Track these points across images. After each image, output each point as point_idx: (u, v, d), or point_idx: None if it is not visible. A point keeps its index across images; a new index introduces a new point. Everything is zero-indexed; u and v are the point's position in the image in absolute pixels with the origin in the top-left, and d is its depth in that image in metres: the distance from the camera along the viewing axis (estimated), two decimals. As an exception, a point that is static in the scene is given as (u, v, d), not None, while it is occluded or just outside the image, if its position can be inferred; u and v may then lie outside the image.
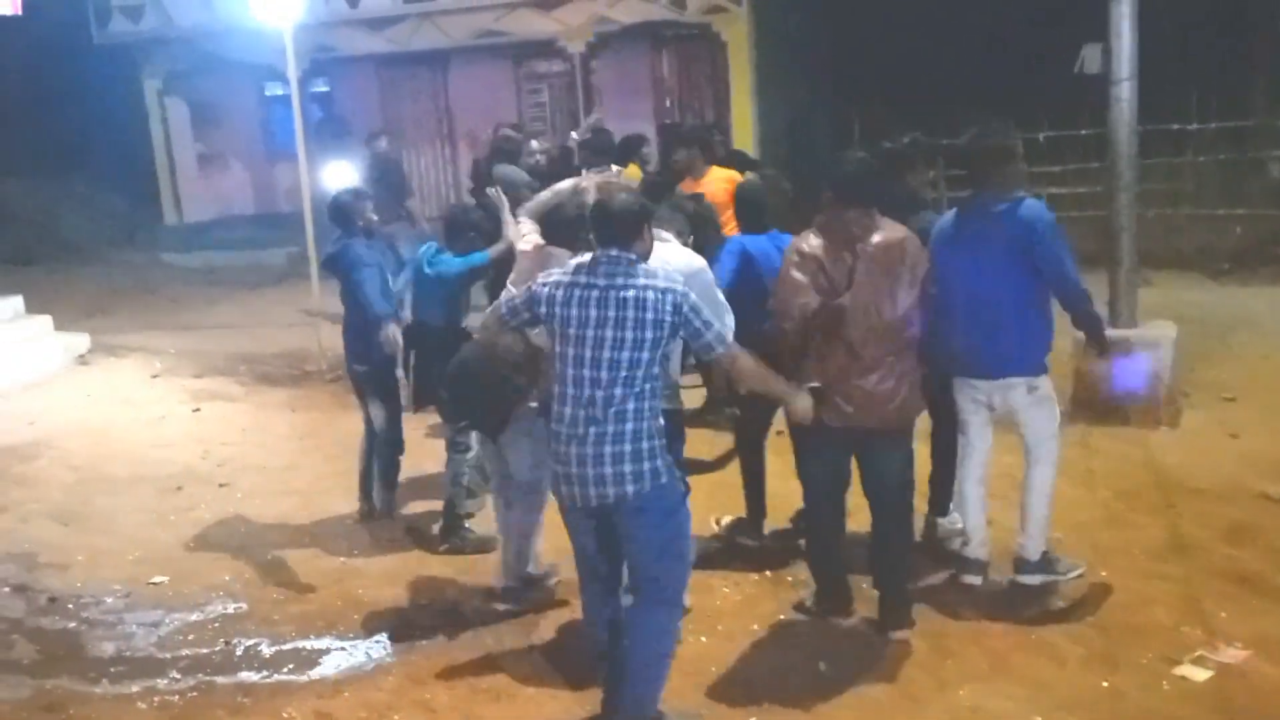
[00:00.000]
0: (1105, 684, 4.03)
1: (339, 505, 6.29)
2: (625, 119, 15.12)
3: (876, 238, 4.28)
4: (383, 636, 4.79)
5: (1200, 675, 4.03)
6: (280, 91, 15.90)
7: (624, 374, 3.59)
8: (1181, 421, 6.61)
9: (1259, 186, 11.64)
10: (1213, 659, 4.11)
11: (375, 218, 6.13)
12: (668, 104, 15.69)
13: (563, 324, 3.68)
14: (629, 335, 3.59)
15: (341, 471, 6.76)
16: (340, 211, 5.98)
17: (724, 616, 4.68)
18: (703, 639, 4.50)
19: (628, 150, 8.30)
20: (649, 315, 3.59)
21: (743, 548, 5.27)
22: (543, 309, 3.74)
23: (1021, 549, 4.72)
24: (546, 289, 3.74)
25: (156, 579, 5.51)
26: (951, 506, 5.15)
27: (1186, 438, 6.26)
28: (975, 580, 4.77)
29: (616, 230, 3.72)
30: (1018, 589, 4.70)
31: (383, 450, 6.08)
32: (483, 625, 4.79)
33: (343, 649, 4.74)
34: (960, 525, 4.95)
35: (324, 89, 16.58)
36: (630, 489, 3.59)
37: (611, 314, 3.61)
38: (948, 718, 3.90)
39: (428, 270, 5.50)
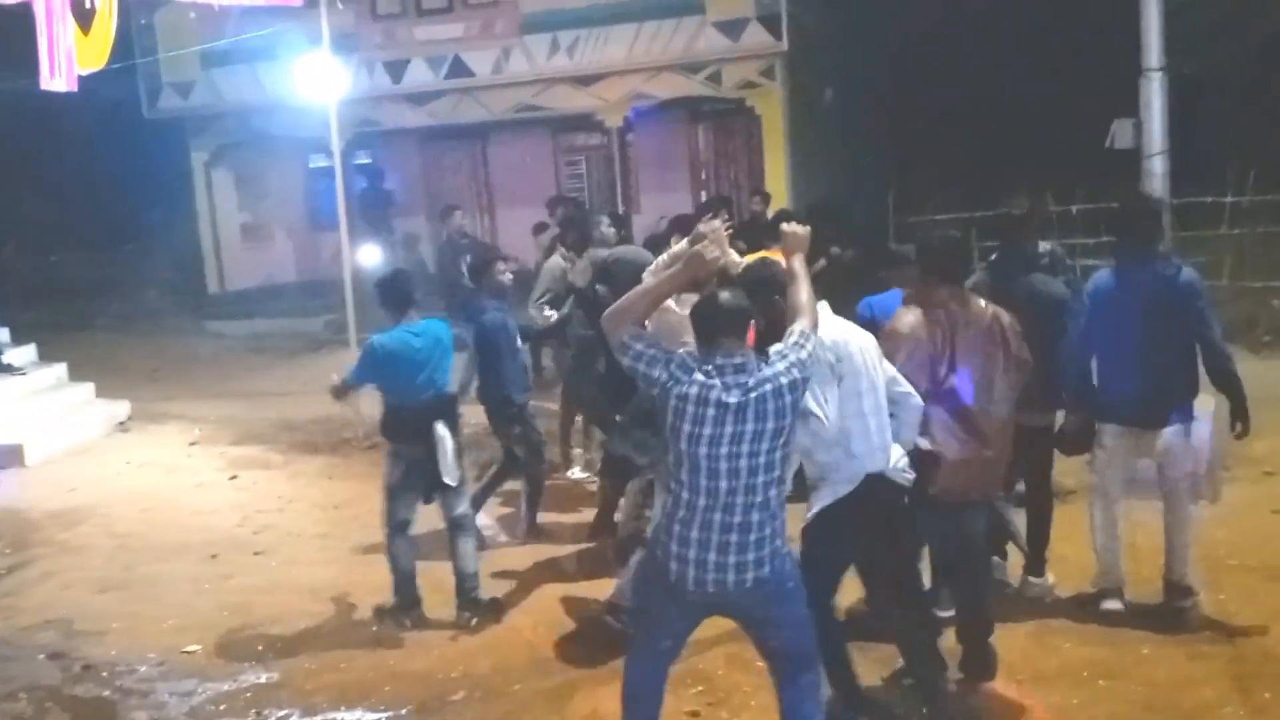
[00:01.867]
0: (1151, 768, 3.93)
1: (374, 576, 6.29)
2: (662, 191, 15.39)
3: (977, 317, 4.33)
4: (414, 706, 4.77)
5: (1249, 760, 3.93)
6: (324, 163, 16.27)
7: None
8: (1223, 495, 6.49)
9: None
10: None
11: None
12: (704, 177, 15.89)
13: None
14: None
15: (376, 542, 6.77)
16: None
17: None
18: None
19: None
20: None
21: None
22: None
23: (1180, 578, 5.07)
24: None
25: (191, 647, 5.53)
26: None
27: (1229, 513, 6.14)
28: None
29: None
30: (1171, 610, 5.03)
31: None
32: (511, 698, 4.76)
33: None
34: (1050, 583, 5.33)
35: (367, 160, 16.97)
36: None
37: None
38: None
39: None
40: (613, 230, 8.35)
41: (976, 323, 4.32)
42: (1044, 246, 5.96)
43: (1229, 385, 5.00)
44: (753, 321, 3.69)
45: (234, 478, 8.53)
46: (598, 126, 14.91)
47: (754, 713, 4.46)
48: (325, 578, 6.35)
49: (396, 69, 14.71)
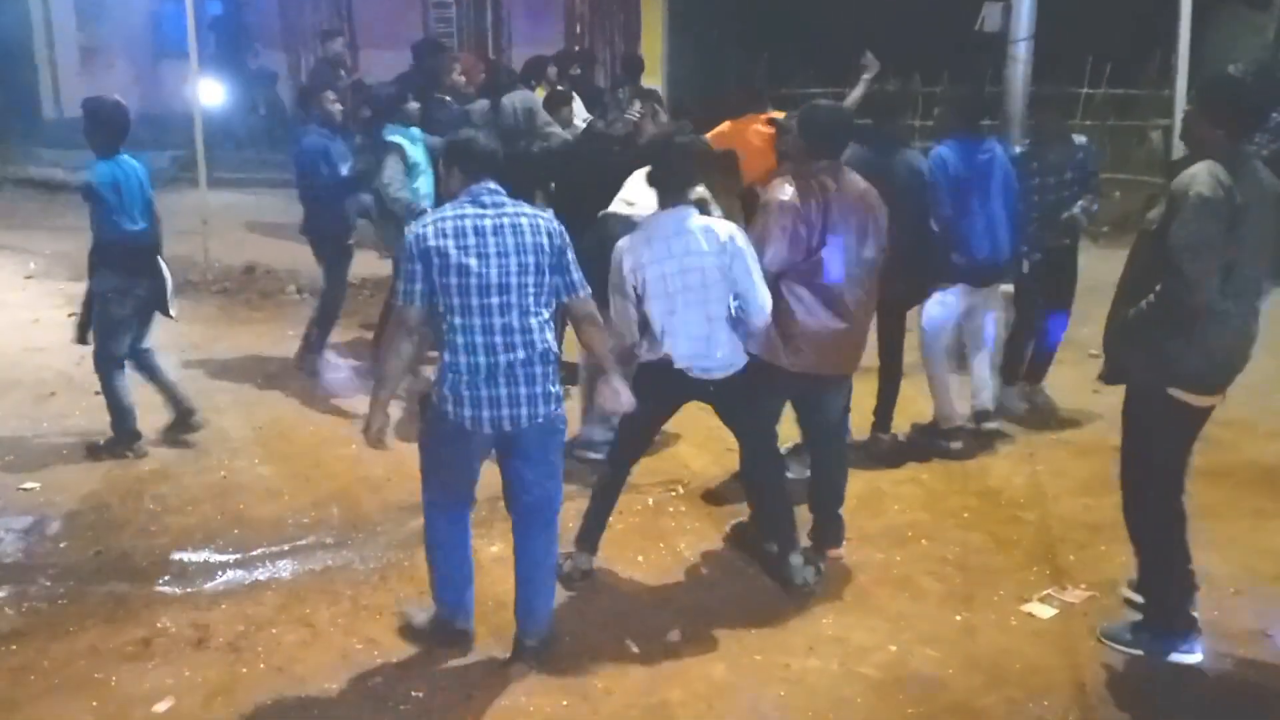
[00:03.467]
0: (959, 618, 4.27)
1: (224, 420, 6.20)
2: (535, 44, 14.94)
3: (848, 188, 4.40)
4: (263, 550, 4.78)
5: (1046, 613, 4.29)
6: (171, -14, 15.21)
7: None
8: (1053, 376, 6.92)
9: (1142, 154, 12.11)
10: (1058, 598, 4.39)
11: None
12: (578, 31, 15.49)
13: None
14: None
15: (224, 388, 6.66)
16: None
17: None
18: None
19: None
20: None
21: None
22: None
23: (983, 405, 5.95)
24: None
25: (28, 485, 5.39)
26: None
27: (1053, 393, 6.56)
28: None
29: None
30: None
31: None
32: (371, 541, 4.83)
33: (222, 562, 4.71)
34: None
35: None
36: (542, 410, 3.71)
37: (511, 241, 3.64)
38: (809, 645, 4.08)
39: None
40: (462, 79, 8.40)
41: (850, 197, 4.41)
42: (1080, 140, 6.20)
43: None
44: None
45: (72, 315, 8.14)
46: (470, -30, 14.30)
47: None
48: (169, 420, 6.20)
49: (256, -113, 13.70)
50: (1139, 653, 3.95)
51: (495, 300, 3.59)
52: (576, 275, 3.76)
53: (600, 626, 4.18)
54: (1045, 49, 6.80)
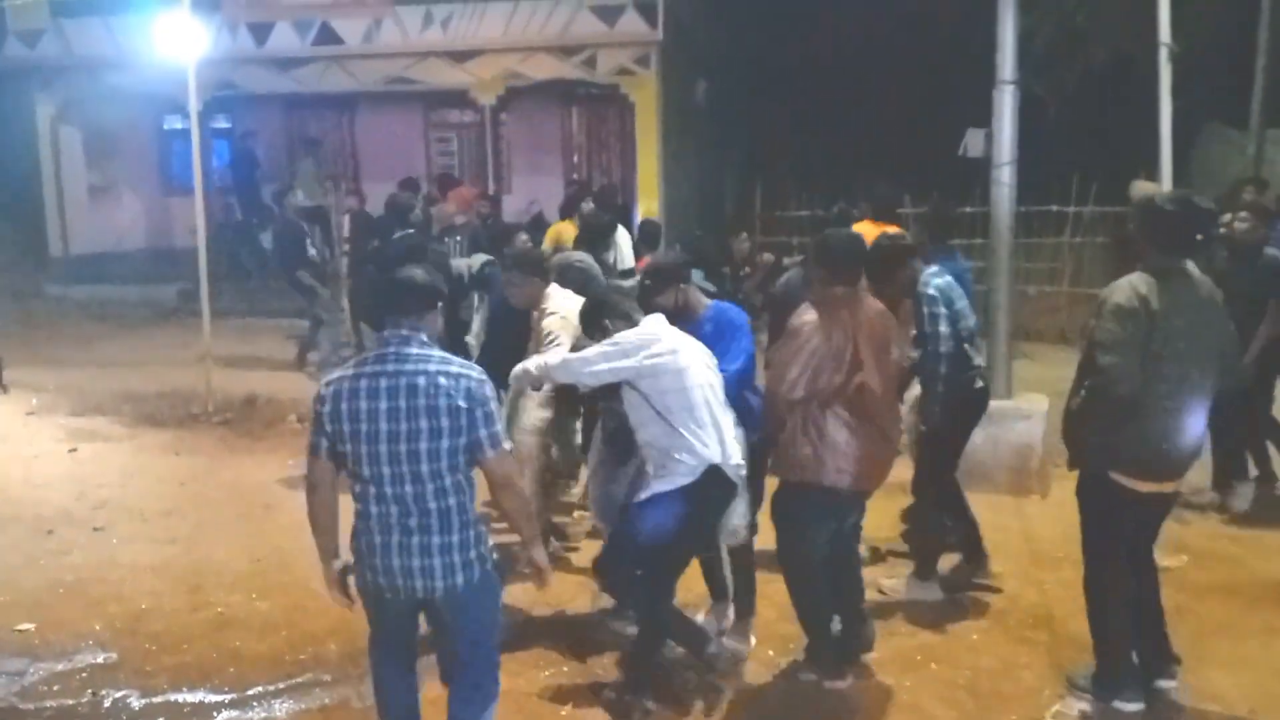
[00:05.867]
0: (972, 747, 4.17)
1: (221, 553, 6.16)
2: (534, 173, 15.35)
3: (868, 310, 4.49)
4: (260, 690, 4.69)
5: (1059, 735, 4.22)
6: (180, 125, 15.66)
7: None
8: (1051, 491, 6.89)
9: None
10: (1067, 715, 4.34)
11: None
12: (575, 160, 15.90)
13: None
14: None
15: (224, 520, 6.62)
16: None
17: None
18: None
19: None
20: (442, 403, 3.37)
21: None
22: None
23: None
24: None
25: (23, 626, 5.31)
26: None
27: (1056, 508, 6.52)
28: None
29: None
30: None
31: None
32: (360, 680, 4.73)
33: (217, 703, 4.62)
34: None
35: (225, 125, 16.40)
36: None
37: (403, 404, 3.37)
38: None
39: None
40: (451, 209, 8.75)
41: (872, 316, 4.49)
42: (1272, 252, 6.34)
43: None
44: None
45: (73, 450, 8.18)
46: (470, 104, 14.72)
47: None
48: (168, 556, 6.16)
49: (261, 31, 14.22)
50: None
51: (386, 469, 3.37)
52: (487, 431, 3.41)
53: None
54: (1032, 170, 6.96)
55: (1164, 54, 6.18)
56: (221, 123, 16.32)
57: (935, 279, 5.21)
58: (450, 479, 3.41)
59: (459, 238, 8.92)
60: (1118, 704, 4.31)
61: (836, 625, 4.74)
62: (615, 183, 14.17)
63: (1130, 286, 4.04)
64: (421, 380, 3.36)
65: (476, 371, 3.47)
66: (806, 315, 4.43)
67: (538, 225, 11.89)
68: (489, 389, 3.46)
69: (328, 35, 14.09)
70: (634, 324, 4.47)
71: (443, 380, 3.36)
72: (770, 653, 4.88)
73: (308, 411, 8.60)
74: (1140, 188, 6.67)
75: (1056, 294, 12.13)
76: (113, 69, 14.38)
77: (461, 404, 3.35)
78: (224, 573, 5.93)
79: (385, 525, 3.43)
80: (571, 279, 5.55)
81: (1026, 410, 7.00)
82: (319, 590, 5.60)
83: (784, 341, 4.47)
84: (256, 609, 5.50)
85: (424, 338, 3.46)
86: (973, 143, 6.94)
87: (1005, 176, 6.83)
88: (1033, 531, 6.32)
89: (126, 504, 7.03)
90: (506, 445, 3.52)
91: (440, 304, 3.58)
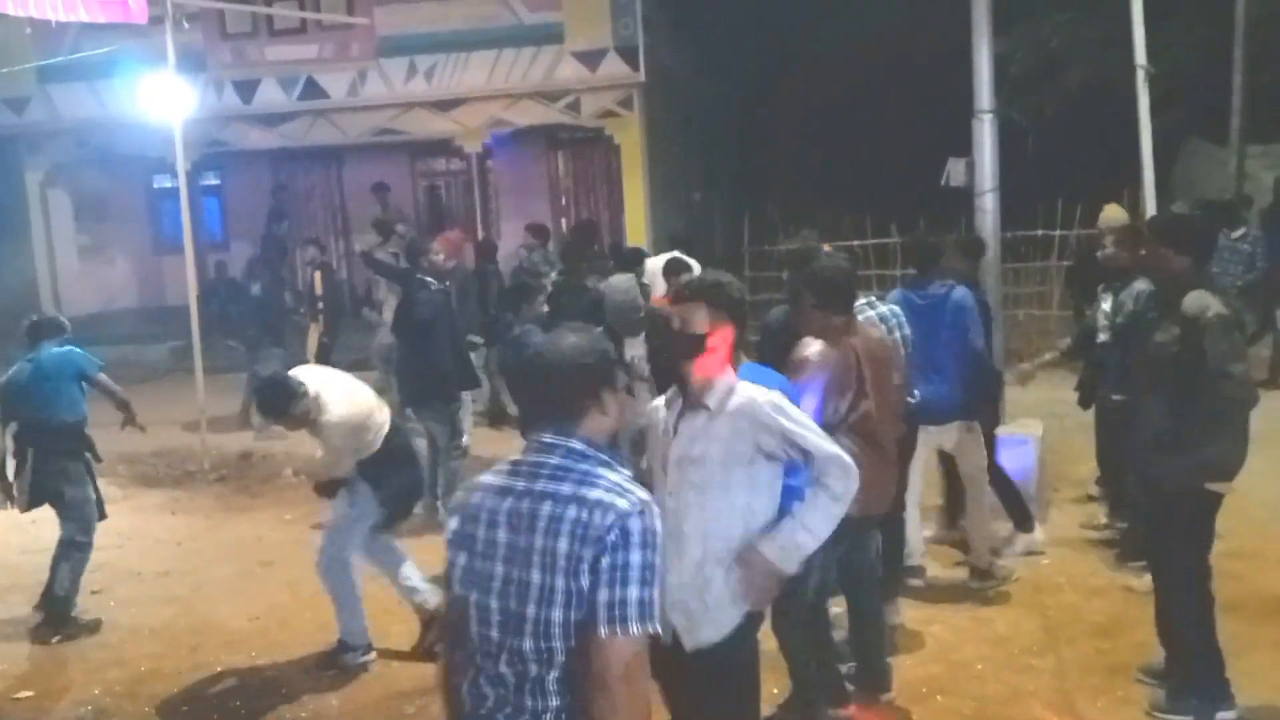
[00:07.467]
0: (981, 779, 4.14)
1: (219, 612, 6.12)
2: (523, 217, 15.47)
3: (867, 337, 4.50)
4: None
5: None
6: (169, 184, 15.74)
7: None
8: (1049, 516, 6.88)
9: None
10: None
11: None
12: (563, 203, 16.00)
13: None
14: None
15: (223, 578, 6.59)
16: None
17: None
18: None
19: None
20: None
21: None
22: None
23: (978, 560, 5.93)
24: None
25: (22, 694, 5.28)
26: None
27: (1055, 533, 6.51)
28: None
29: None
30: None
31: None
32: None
33: (219, 765, 4.59)
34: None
35: (215, 182, 16.50)
36: None
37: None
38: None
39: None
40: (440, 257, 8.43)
41: (872, 347, 4.49)
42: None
43: (986, 383, 5.92)
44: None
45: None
46: (457, 152, 14.85)
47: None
48: (167, 618, 6.13)
49: (247, 89, 14.34)
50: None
51: (492, 630, 2.33)
52: (608, 595, 2.22)
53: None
54: (1016, 196, 7.04)
55: (1141, 76, 6.27)
56: (211, 179, 16.42)
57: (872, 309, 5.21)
58: (558, 665, 2.29)
59: (448, 283, 8.93)
60: (1221, 714, 4.29)
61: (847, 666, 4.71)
62: (593, 218, 14.30)
63: (1212, 298, 4.10)
64: (546, 507, 2.30)
65: (630, 499, 2.29)
66: (811, 347, 4.42)
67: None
68: (639, 524, 2.26)
69: (313, 90, 14.21)
70: None
71: (572, 510, 2.28)
72: (774, 690, 4.85)
73: (303, 465, 8.68)
74: (1110, 214, 6.71)
75: (1046, 317, 12.17)
76: (100, 131, 14.51)
77: (589, 550, 2.23)
78: (224, 632, 5.89)
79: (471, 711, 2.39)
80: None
81: (1021, 435, 6.99)
82: (319, 646, 5.62)
83: (794, 371, 4.47)
84: (256, 668, 5.46)
85: (576, 445, 2.38)
86: (955, 172, 7.00)
87: (988, 204, 6.90)
88: (1030, 559, 6.30)
89: (125, 565, 6.99)
90: (636, 629, 2.24)
91: (609, 388, 2.44)
